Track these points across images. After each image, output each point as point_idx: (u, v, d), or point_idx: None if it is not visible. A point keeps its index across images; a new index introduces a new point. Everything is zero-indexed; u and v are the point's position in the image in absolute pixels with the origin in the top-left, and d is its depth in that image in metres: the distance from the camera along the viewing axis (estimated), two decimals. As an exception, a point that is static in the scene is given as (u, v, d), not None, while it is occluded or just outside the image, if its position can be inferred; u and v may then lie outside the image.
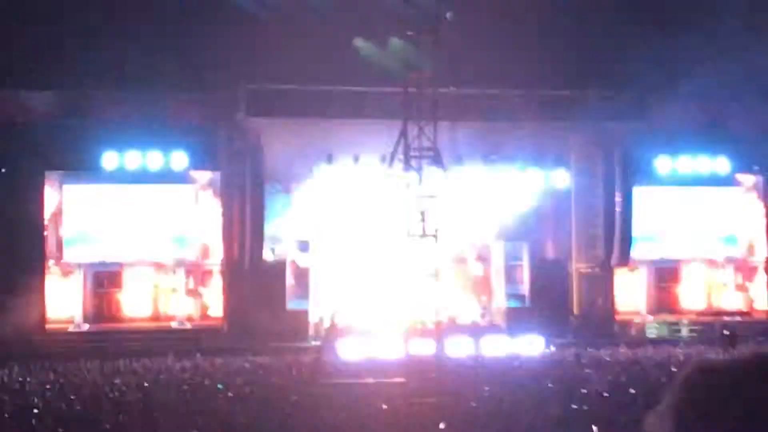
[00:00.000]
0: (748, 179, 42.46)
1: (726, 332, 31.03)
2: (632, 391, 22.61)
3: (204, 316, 39.46)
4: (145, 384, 25.38)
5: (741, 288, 42.78)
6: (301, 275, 39.78)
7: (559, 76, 38.49)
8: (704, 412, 2.61)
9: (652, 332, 40.20)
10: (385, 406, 21.47)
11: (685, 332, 39.42)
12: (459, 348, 33.01)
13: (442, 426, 19.10)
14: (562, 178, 41.08)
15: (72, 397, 22.61)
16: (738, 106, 39.79)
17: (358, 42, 29.01)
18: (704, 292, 42.95)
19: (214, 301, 39.43)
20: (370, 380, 26.77)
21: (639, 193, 40.93)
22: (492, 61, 36.75)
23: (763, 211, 42.41)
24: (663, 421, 2.67)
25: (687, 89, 37.75)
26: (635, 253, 41.19)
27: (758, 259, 42.69)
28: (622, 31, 37.78)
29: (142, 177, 38.66)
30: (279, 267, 39.67)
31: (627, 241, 40.51)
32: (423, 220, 29.23)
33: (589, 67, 38.57)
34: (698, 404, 2.64)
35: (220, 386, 24.73)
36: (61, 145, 36.73)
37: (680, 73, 37.22)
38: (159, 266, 39.49)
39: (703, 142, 40.61)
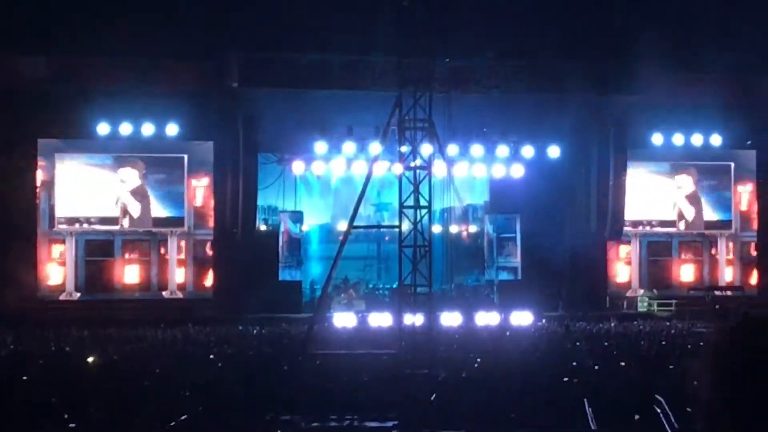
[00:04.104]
0: (742, 154, 42.45)
1: (717, 306, 31.10)
2: (622, 363, 22.62)
3: (196, 286, 39.44)
4: (136, 352, 25.36)
5: (733, 262, 42.86)
6: (294, 246, 39.77)
7: (553, 47, 38.32)
8: (749, 357, 2.70)
9: (643, 306, 40.32)
10: (376, 377, 21.46)
11: (676, 306, 39.49)
12: (451, 319, 33.03)
13: (432, 397, 19.11)
14: (555, 152, 41.06)
15: (63, 366, 22.58)
16: (733, 80, 39.73)
17: None
18: (696, 266, 43.03)
19: (206, 271, 39.40)
20: (362, 351, 26.75)
21: (632, 167, 40.91)
22: (487, 31, 36.62)
23: (756, 186, 42.44)
24: (708, 366, 2.74)
25: (683, 63, 37.68)
26: (627, 227, 41.24)
27: (750, 234, 42.73)
28: (619, 3, 37.68)
29: (134, 147, 38.64)
30: (271, 237, 39.69)
31: (620, 215, 40.52)
32: (416, 191, 29.16)
33: (585, 40, 38.39)
34: (743, 350, 2.73)
35: (210, 356, 24.70)
36: (52, 113, 36.62)
37: (677, 47, 37.08)
38: (150, 236, 39.43)
39: (697, 117, 40.54)
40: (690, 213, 42.68)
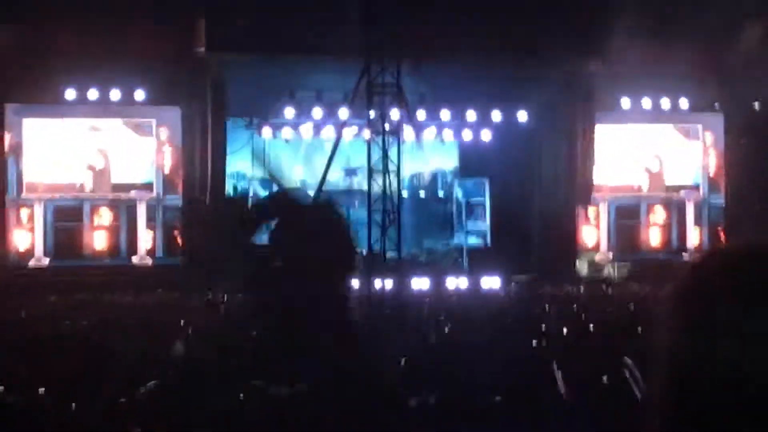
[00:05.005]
0: (711, 118, 42.63)
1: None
2: (591, 327, 22.74)
3: (165, 252, 39.35)
4: (106, 319, 25.31)
5: (701, 226, 43.05)
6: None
7: (525, 14, 38.21)
8: (715, 294, 2.53)
9: (612, 270, 40.46)
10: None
11: (645, 270, 39.64)
12: (420, 284, 33.13)
13: (402, 362, 19.16)
14: (524, 116, 41.08)
15: (32, 332, 22.53)
16: (701, 44, 39.79)
17: None
18: (664, 230, 43.20)
19: (175, 237, 39.31)
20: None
21: (601, 131, 40.97)
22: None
23: (723, 149, 42.68)
24: (673, 307, 2.61)
25: (651, 27, 37.70)
26: (596, 191, 41.33)
27: (718, 198, 42.96)
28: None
29: (102, 111, 38.46)
30: (240, 203, 39.60)
31: (588, 179, 40.62)
32: (385, 156, 29.22)
33: (556, 6, 38.32)
34: (709, 288, 2.57)
35: (181, 322, 24.68)
36: (19, 79, 36.40)
37: (646, 11, 37.10)
38: (120, 201, 39.29)
39: (665, 80, 40.63)
40: (657, 176, 42.86)
